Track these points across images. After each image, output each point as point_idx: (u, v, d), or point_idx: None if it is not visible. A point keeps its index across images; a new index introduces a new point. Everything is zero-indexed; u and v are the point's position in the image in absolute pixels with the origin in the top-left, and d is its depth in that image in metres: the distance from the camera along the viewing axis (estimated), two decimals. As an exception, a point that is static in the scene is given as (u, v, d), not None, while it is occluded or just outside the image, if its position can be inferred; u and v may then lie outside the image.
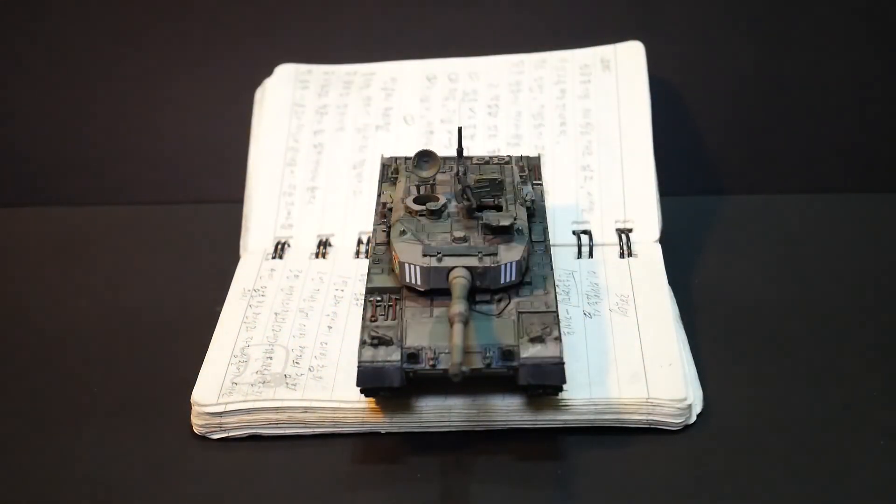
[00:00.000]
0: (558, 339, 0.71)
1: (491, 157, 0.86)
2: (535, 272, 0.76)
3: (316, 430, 0.75)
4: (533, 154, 0.92)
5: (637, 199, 0.92)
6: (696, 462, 0.72)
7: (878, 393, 0.78)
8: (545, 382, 0.71)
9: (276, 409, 0.75)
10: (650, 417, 0.74)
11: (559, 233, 0.90)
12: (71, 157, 1.07)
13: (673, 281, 0.86)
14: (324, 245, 0.91)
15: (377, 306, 0.74)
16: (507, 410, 0.74)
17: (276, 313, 0.83)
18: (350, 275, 0.87)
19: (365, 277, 0.77)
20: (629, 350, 0.78)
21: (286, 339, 0.80)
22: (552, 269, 0.77)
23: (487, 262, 0.72)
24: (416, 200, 0.78)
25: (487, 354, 0.70)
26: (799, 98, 1.06)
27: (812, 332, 0.84)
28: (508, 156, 0.87)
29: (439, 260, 0.73)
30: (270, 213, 0.93)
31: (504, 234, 0.74)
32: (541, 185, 0.86)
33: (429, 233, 0.75)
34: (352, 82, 1.00)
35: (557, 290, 0.79)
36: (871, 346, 0.82)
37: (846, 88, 1.06)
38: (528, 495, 0.70)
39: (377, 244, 0.78)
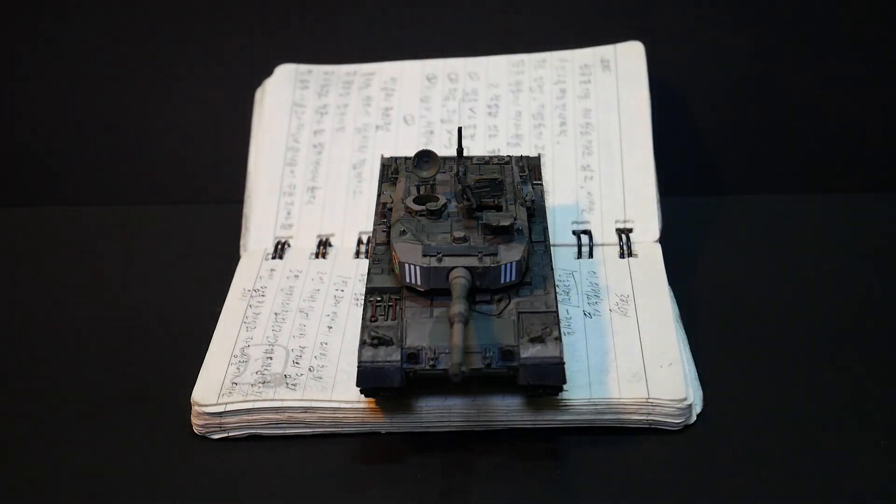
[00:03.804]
0: (558, 339, 0.71)
1: (491, 157, 0.86)
2: (535, 272, 0.76)
3: (316, 430, 0.75)
4: (533, 154, 0.92)
5: (637, 199, 0.92)
6: (696, 462, 0.72)
7: (878, 393, 0.78)
8: (545, 382, 0.71)
9: (276, 409, 0.75)
10: (650, 417, 0.74)
11: (559, 233, 0.90)
12: (71, 157, 1.07)
13: (673, 281, 0.86)
14: (324, 245, 0.91)
15: (377, 306, 0.74)
16: (507, 410, 0.74)
17: (276, 313, 0.83)
18: (350, 275, 0.87)
19: (365, 277, 0.77)
20: (629, 350, 0.78)
21: (286, 339, 0.80)
22: (552, 269, 0.77)
23: (487, 262, 0.72)
24: (416, 200, 0.78)
25: (487, 354, 0.70)
26: (798, 98, 1.06)
27: (812, 332, 0.84)
28: (508, 156, 0.87)
29: (439, 260, 0.72)
30: (270, 213, 0.93)
31: (504, 234, 0.74)
32: (541, 185, 0.86)
33: (429, 233, 0.75)
34: (352, 82, 1.00)
35: (557, 290, 0.79)
36: (871, 345, 0.82)
37: (846, 88, 1.06)
38: (528, 495, 0.70)
39: (377, 244, 0.78)
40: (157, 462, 0.74)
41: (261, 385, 0.76)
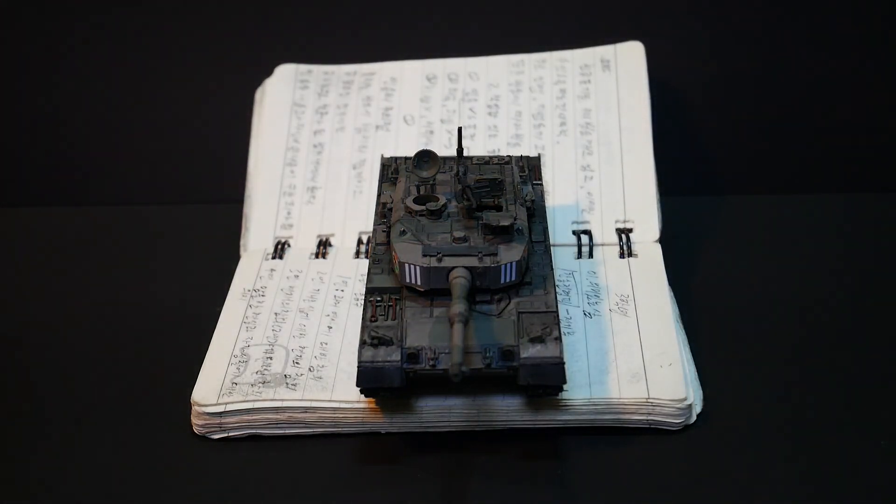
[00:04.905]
0: (558, 339, 0.71)
1: (491, 157, 0.86)
2: (535, 272, 0.76)
3: (316, 430, 0.75)
4: (533, 154, 0.92)
5: (637, 199, 0.92)
6: (696, 462, 0.72)
7: (878, 393, 0.78)
8: (545, 382, 0.71)
9: (276, 410, 0.75)
10: (650, 417, 0.74)
11: (559, 233, 0.90)
12: (71, 157, 1.07)
13: (673, 281, 0.86)
14: (324, 245, 0.91)
15: (377, 306, 0.74)
16: (507, 410, 0.74)
17: (276, 313, 0.83)
18: (350, 275, 0.87)
19: (365, 277, 0.77)
20: (629, 350, 0.78)
21: (286, 339, 0.80)
22: (552, 269, 0.77)
23: (487, 262, 0.72)
24: (416, 200, 0.78)
25: (487, 354, 0.70)
26: (799, 98, 1.06)
27: (812, 332, 0.84)
28: (508, 156, 0.87)
29: (439, 260, 0.72)
30: (270, 213, 0.93)
31: (504, 234, 0.74)
32: (541, 185, 0.86)
33: (429, 233, 0.75)
34: (352, 82, 1.00)
35: (557, 290, 0.79)
36: (871, 345, 0.82)
37: (846, 88, 1.06)
38: (528, 495, 0.70)
39: (377, 244, 0.78)
40: (157, 462, 0.74)
41: (261, 385, 0.76)
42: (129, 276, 0.94)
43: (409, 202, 0.78)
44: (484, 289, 0.73)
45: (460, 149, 0.79)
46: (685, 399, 0.74)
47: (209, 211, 1.02)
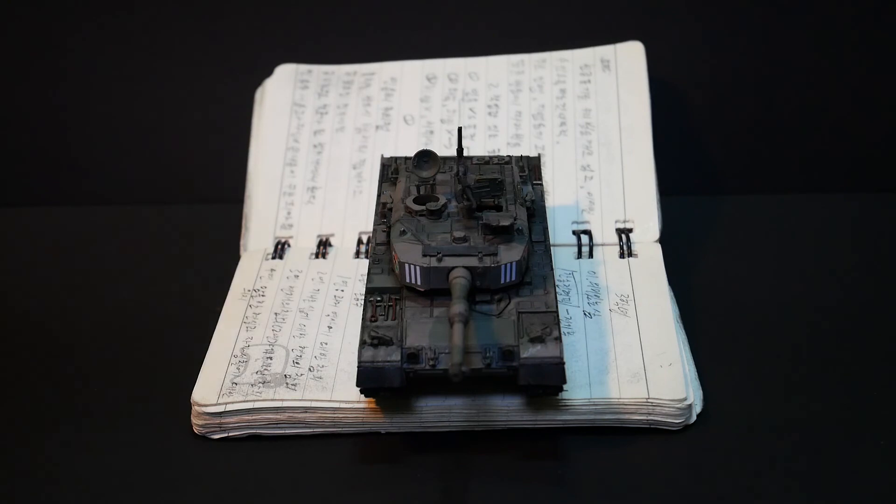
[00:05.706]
0: (558, 339, 0.71)
1: (491, 157, 0.86)
2: (535, 272, 0.76)
3: (316, 430, 0.75)
4: (533, 154, 0.92)
5: (637, 199, 0.92)
6: (696, 462, 0.72)
7: (878, 393, 0.78)
8: (545, 382, 0.71)
9: (276, 410, 0.75)
10: (650, 417, 0.74)
11: (559, 233, 0.90)
12: (71, 157, 1.07)
13: (673, 281, 0.86)
14: (324, 245, 0.91)
15: (377, 306, 0.74)
16: (507, 410, 0.74)
17: (276, 313, 0.83)
18: (350, 275, 0.87)
19: (365, 277, 0.77)
20: (629, 350, 0.78)
21: (286, 339, 0.80)
22: (552, 269, 0.77)
23: (487, 262, 0.72)
24: (416, 200, 0.78)
25: (487, 354, 0.70)
26: (798, 98, 1.06)
27: (812, 332, 0.84)
28: (508, 156, 0.87)
29: (439, 260, 0.73)
30: (270, 213, 0.93)
31: (504, 234, 0.74)
32: (541, 185, 0.86)
33: (429, 233, 0.75)
34: (352, 82, 1.00)
35: (557, 290, 0.79)
36: (871, 345, 0.82)
37: (846, 88, 1.06)
38: (528, 495, 0.70)
39: (377, 244, 0.78)
40: (157, 462, 0.74)
41: (261, 385, 0.76)
42: (129, 276, 0.94)
43: (409, 202, 0.78)
44: (484, 289, 0.73)
45: (460, 149, 0.79)
46: (685, 399, 0.74)
47: (209, 211, 1.02)
